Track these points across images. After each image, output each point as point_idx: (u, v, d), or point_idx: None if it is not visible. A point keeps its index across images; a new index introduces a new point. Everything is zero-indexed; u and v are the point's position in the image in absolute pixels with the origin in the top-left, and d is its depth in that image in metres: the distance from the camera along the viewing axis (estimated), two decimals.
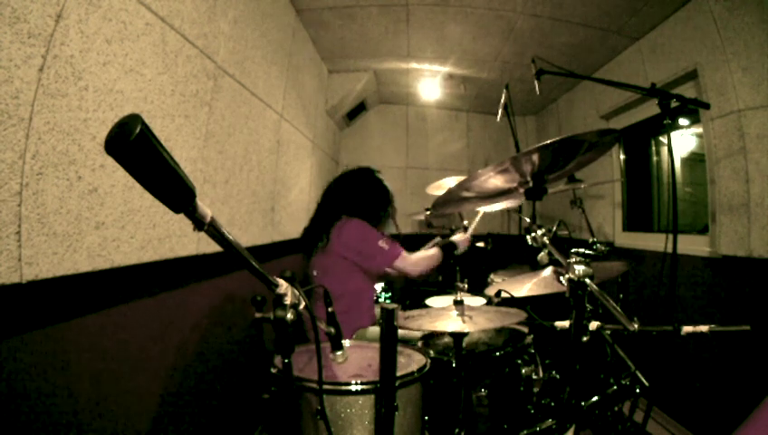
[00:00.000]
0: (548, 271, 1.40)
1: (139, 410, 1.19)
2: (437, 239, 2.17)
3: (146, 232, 1.20)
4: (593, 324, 1.25)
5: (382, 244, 1.79)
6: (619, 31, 2.56)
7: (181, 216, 0.50)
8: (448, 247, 1.99)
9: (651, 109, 2.63)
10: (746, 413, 0.85)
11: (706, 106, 1.63)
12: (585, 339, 0.88)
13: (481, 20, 2.53)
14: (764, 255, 1.78)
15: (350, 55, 3.15)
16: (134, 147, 0.41)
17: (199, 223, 0.52)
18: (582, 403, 1.33)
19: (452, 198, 1.07)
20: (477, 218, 2.25)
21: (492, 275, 2.27)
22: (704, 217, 2.24)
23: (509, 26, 2.59)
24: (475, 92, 3.84)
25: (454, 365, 1.30)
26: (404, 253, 1.83)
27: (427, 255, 1.91)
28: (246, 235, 1.90)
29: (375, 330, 1.88)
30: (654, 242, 2.53)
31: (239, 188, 1.79)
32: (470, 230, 2.18)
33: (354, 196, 1.93)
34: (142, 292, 1.20)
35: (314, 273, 1.94)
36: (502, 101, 2.31)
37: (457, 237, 2.06)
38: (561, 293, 0.89)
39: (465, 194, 1.07)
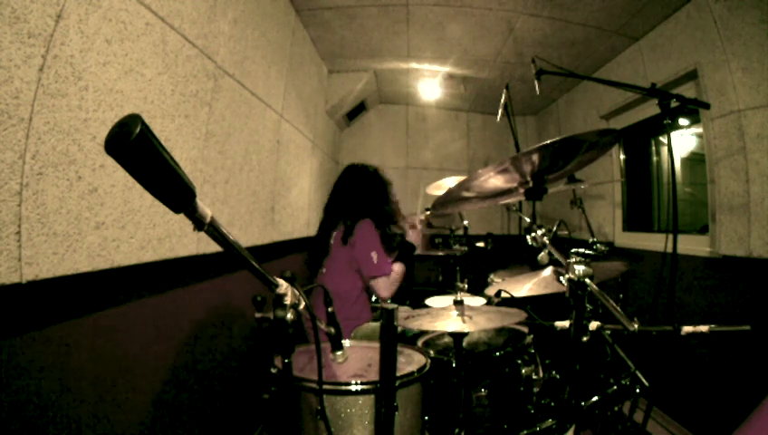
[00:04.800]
0: (548, 271, 1.40)
1: (140, 410, 1.19)
2: (396, 246, 2.16)
3: (146, 232, 1.20)
4: (593, 324, 1.25)
5: (375, 255, 1.85)
6: (619, 31, 2.56)
7: (181, 216, 0.50)
8: (407, 248, 2.07)
9: (651, 109, 2.63)
10: (746, 413, 0.85)
11: (706, 106, 1.63)
12: (585, 339, 0.88)
13: (481, 20, 2.53)
14: (764, 255, 1.78)
15: (350, 55, 3.15)
16: (134, 147, 0.41)
17: (199, 223, 0.52)
18: (582, 403, 1.33)
19: (452, 198, 1.07)
20: (420, 201, 2.26)
21: (492, 275, 2.27)
22: (704, 217, 2.24)
23: (509, 26, 2.59)
24: (475, 92, 3.84)
25: (454, 365, 1.30)
26: (385, 277, 1.87)
27: (398, 277, 1.95)
28: (246, 235, 1.90)
29: (373, 326, 1.91)
30: (654, 242, 2.53)
31: (239, 188, 1.79)
32: (418, 214, 2.21)
33: (356, 195, 2.00)
34: (142, 292, 1.20)
35: (323, 270, 1.98)
36: (502, 101, 2.31)
37: (410, 236, 2.13)
38: (561, 293, 0.89)
39: (465, 194, 1.07)
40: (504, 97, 2.30)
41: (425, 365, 1.08)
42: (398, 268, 1.96)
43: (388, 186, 2.12)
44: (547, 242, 0.94)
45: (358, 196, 2.00)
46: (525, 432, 1.26)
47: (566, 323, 1.31)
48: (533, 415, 1.37)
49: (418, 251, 2.16)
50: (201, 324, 1.52)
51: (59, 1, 0.89)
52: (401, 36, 2.80)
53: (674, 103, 1.59)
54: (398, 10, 2.48)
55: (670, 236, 1.58)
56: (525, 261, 2.71)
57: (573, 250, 2.10)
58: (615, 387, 1.39)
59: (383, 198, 2.06)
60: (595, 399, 1.35)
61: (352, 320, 1.90)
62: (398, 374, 0.96)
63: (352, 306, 1.92)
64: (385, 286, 1.88)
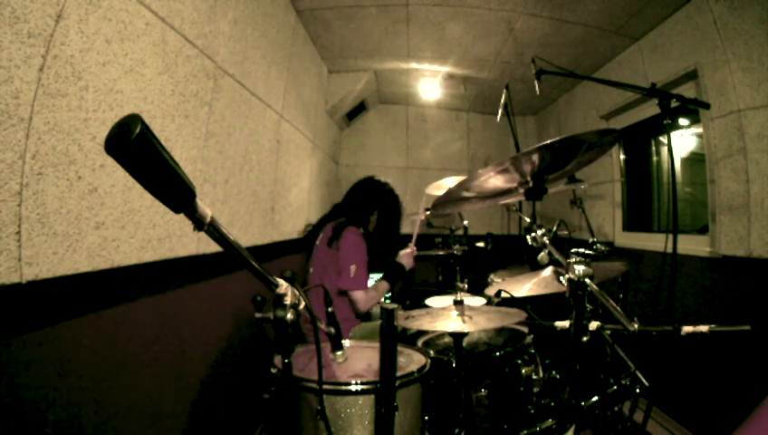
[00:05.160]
0: (548, 271, 1.40)
1: (139, 410, 1.19)
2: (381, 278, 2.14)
3: (146, 232, 1.20)
4: (593, 324, 1.25)
5: (354, 268, 1.86)
6: (619, 31, 2.56)
7: (181, 216, 0.50)
8: (396, 269, 2.04)
9: (651, 109, 2.63)
10: (746, 413, 0.85)
11: (706, 106, 1.63)
12: (585, 339, 0.88)
13: (481, 20, 2.53)
14: (764, 255, 1.78)
15: (350, 55, 3.15)
16: (134, 147, 0.41)
17: (199, 223, 0.52)
18: (582, 403, 1.32)
19: (452, 198, 1.07)
20: (417, 227, 2.18)
21: (492, 275, 2.27)
22: (704, 217, 2.24)
23: (509, 26, 2.59)
24: (475, 92, 3.84)
25: (454, 365, 1.30)
26: (362, 291, 1.89)
27: (378, 295, 1.95)
28: (246, 235, 1.90)
29: (372, 325, 1.91)
30: (654, 242, 2.53)
31: (239, 188, 1.79)
32: (413, 240, 2.16)
33: (376, 215, 2.05)
34: (142, 292, 1.20)
35: (311, 270, 1.99)
36: (502, 101, 2.31)
37: (402, 255, 2.09)
38: (561, 293, 0.89)
39: (465, 194, 1.07)
40: (503, 97, 2.30)
41: (425, 365, 1.08)
42: (381, 287, 1.98)
43: (399, 220, 2.16)
44: (547, 242, 0.94)
45: (370, 208, 2.04)
46: (525, 432, 1.26)
47: (566, 323, 1.31)
48: (533, 415, 1.37)
49: (408, 267, 2.13)
50: (201, 324, 1.52)
51: (59, 1, 0.89)
52: (401, 36, 2.80)
53: (674, 103, 1.59)
54: (397, 10, 2.47)
55: (670, 236, 1.58)
56: (525, 261, 2.71)
57: (573, 250, 2.10)
58: (615, 387, 1.39)
59: (394, 221, 2.12)
60: (595, 399, 1.35)
61: (350, 321, 1.90)
62: (398, 374, 0.96)
63: (351, 307, 1.92)
64: (362, 300, 1.88)
